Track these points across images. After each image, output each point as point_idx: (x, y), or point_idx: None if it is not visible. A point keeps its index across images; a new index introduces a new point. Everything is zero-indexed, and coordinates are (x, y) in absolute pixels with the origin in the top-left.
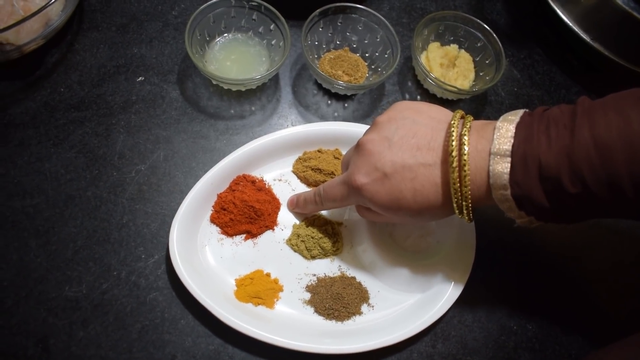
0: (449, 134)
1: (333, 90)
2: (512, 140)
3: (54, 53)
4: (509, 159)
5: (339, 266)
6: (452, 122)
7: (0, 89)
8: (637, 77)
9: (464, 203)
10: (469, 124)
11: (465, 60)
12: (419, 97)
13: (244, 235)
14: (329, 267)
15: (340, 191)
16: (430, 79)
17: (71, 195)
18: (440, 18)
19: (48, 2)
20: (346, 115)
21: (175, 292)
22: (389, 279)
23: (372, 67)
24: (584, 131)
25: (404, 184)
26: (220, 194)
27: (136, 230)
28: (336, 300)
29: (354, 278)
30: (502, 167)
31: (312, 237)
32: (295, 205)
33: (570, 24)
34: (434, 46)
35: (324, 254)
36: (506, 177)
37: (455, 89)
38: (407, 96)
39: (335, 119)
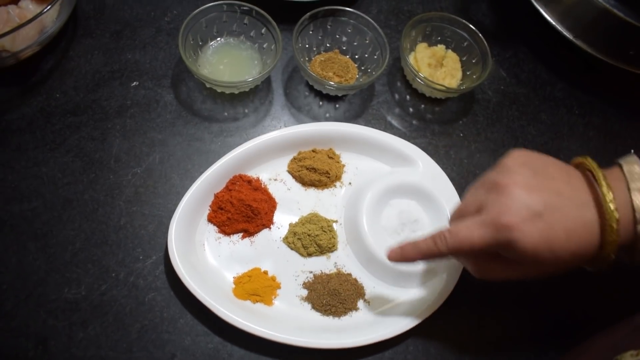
0: (587, 176)
1: (324, 92)
2: None
3: (49, 59)
4: None
5: (335, 263)
6: (586, 162)
7: None
8: (619, 74)
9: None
10: (595, 164)
11: (452, 60)
12: (408, 96)
13: (241, 234)
14: (325, 264)
15: (479, 234)
16: (419, 78)
17: (69, 199)
18: (427, 19)
19: (43, 9)
20: (337, 115)
21: (173, 292)
22: (384, 275)
23: (362, 68)
24: None
25: (557, 223)
26: (218, 193)
27: (134, 232)
28: (333, 296)
29: (349, 274)
30: None
31: (309, 235)
32: (401, 255)
33: (553, 23)
34: (422, 47)
35: (320, 252)
36: None
37: (444, 88)
38: (396, 96)
39: (327, 119)
